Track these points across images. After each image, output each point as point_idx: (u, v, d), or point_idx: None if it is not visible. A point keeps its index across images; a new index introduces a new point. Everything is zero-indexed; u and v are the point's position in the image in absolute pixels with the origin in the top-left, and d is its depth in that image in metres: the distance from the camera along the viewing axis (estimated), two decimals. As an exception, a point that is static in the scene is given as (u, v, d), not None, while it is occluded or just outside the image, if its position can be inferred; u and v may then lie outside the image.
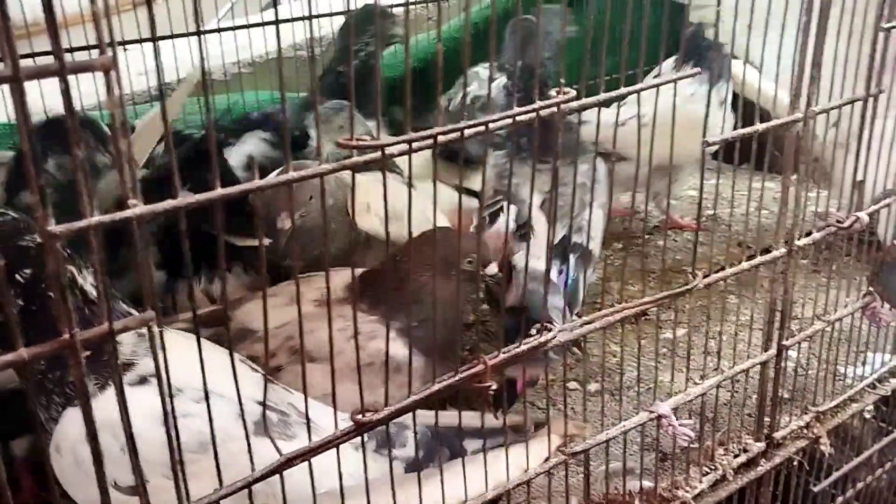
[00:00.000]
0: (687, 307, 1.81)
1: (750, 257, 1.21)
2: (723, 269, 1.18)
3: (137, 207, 0.60)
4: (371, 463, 0.89)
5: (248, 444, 0.76)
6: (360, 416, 0.83)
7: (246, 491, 0.76)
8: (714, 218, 1.98)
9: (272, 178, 0.73)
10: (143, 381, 0.95)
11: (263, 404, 0.91)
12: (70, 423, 0.93)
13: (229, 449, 0.80)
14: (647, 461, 1.25)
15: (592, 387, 1.54)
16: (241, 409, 0.77)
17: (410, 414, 0.90)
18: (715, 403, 1.24)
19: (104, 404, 0.66)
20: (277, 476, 0.78)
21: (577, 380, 1.53)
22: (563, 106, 0.84)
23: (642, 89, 0.98)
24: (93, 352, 0.92)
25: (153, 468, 0.76)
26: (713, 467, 1.25)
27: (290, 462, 0.79)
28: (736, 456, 1.28)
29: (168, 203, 0.63)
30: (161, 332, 0.65)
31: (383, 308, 1.25)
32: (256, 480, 0.77)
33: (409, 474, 0.99)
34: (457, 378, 0.90)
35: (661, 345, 1.66)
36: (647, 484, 1.20)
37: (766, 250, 1.22)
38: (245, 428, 0.77)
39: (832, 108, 1.23)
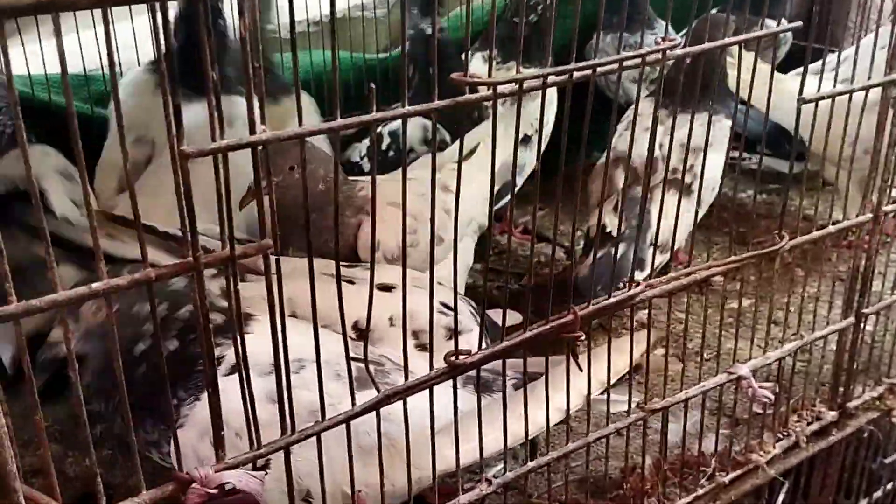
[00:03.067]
0: (752, 278, 1.79)
1: (820, 227, 1.18)
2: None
3: (264, 134, 0.61)
4: (464, 397, 0.90)
5: (351, 380, 0.77)
6: (453, 359, 0.83)
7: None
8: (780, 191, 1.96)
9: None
10: (234, 370, 0.90)
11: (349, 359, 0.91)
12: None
13: (337, 409, 0.80)
14: (722, 425, 1.24)
15: (659, 351, 1.53)
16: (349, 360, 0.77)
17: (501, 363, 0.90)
18: (792, 371, 1.23)
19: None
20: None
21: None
22: (668, 52, 0.83)
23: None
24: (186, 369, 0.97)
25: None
26: (787, 433, 1.25)
27: (387, 399, 0.80)
28: (809, 423, 1.27)
29: (291, 130, 0.64)
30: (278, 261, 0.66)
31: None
32: (356, 415, 0.78)
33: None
34: (547, 326, 0.90)
35: (727, 314, 1.64)
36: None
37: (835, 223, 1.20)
38: (350, 367, 0.78)
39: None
